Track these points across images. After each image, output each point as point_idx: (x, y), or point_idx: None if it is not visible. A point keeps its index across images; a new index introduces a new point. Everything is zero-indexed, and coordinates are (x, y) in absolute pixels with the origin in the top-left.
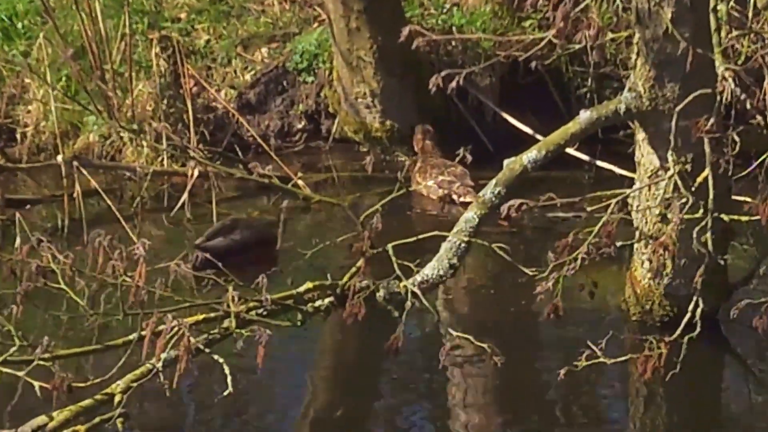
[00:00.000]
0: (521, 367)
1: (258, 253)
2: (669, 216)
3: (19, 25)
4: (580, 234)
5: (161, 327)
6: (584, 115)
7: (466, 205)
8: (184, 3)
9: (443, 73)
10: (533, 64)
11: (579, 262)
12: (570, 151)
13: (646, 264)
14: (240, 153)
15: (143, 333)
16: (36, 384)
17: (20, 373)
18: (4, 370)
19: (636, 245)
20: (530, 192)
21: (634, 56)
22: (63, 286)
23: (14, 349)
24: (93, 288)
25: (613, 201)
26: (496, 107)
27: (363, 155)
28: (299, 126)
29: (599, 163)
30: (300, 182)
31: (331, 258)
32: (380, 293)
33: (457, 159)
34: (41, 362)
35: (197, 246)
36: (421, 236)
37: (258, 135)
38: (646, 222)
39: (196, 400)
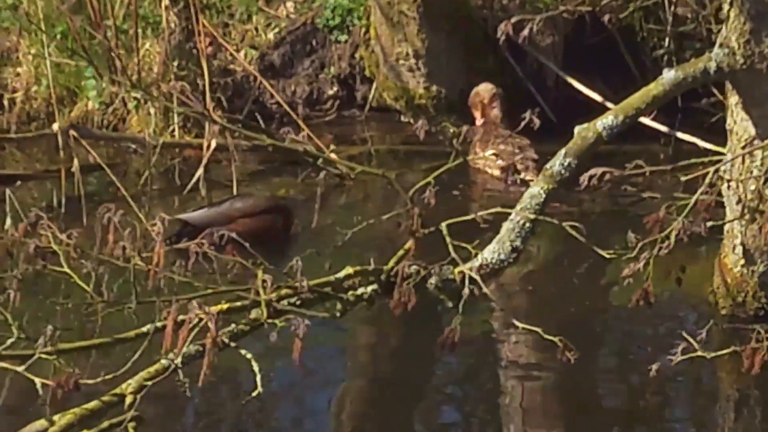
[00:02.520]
0: (594, 365)
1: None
2: (767, 192)
3: None
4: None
5: (182, 317)
6: (668, 75)
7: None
8: None
9: (514, 19)
10: (605, 18)
11: (673, 239)
12: (645, 120)
13: (738, 249)
14: (262, 123)
15: (160, 324)
16: (38, 381)
17: (19, 368)
18: (1, 365)
19: (726, 227)
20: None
21: (726, 6)
22: (66, 269)
23: (11, 340)
24: (100, 272)
25: (712, 169)
26: (559, 70)
27: (404, 126)
28: (330, 92)
29: (679, 134)
30: (333, 156)
31: (373, 240)
32: (432, 280)
33: (522, 124)
34: (43, 356)
35: (176, 218)
36: (480, 213)
37: (284, 102)
38: (739, 199)
39: (219, 402)
